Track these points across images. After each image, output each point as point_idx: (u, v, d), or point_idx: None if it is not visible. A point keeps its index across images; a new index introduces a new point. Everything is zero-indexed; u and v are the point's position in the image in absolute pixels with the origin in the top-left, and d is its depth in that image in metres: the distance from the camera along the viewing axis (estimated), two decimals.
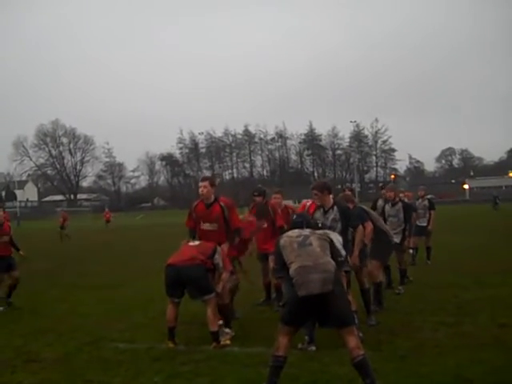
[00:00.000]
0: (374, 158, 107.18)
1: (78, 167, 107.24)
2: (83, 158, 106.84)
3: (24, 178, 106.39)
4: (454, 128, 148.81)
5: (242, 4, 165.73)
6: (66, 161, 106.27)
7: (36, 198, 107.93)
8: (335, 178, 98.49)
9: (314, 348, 5.36)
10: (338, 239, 4.74)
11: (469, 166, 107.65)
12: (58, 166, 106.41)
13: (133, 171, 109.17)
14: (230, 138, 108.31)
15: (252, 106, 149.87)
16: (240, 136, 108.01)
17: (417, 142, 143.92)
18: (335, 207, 6.11)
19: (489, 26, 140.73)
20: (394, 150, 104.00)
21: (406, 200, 10.00)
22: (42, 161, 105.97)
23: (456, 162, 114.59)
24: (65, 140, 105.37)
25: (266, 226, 7.35)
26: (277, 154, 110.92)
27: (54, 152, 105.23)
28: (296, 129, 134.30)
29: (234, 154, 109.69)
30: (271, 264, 6.09)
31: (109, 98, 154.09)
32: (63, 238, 27.53)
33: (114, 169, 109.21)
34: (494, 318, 6.35)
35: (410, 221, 8.94)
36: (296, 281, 4.14)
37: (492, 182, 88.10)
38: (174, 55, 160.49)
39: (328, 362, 4.90)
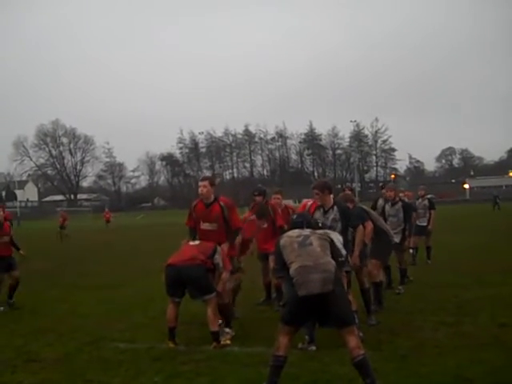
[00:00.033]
0: (374, 157, 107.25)
1: (78, 167, 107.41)
2: (83, 157, 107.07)
3: (24, 178, 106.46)
4: (454, 128, 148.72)
5: (241, 4, 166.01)
6: (66, 161, 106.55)
7: (36, 198, 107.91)
8: (335, 177, 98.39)
9: (314, 348, 5.36)
10: (338, 239, 4.73)
11: (469, 165, 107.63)
12: (58, 166, 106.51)
13: (133, 171, 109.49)
14: (230, 138, 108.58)
15: (252, 105, 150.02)
16: (240, 136, 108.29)
17: (417, 142, 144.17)
18: (335, 207, 6.09)
19: (489, 26, 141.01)
20: (394, 150, 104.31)
21: (406, 200, 10.00)
22: (42, 161, 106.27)
23: (456, 161, 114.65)
24: (65, 140, 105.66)
25: (266, 225, 7.36)
26: (277, 154, 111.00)
27: (54, 152, 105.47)
28: (296, 128, 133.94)
29: (234, 154, 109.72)
30: (271, 264, 6.08)
31: (109, 98, 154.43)
32: (63, 237, 27.57)
33: (114, 169, 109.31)
34: (495, 317, 6.34)
35: (410, 220, 8.95)
36: (296, 281, 4.14)
37: (492, 182, 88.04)
38: (174, 55, 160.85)
39: (328, 361, 4.90)
